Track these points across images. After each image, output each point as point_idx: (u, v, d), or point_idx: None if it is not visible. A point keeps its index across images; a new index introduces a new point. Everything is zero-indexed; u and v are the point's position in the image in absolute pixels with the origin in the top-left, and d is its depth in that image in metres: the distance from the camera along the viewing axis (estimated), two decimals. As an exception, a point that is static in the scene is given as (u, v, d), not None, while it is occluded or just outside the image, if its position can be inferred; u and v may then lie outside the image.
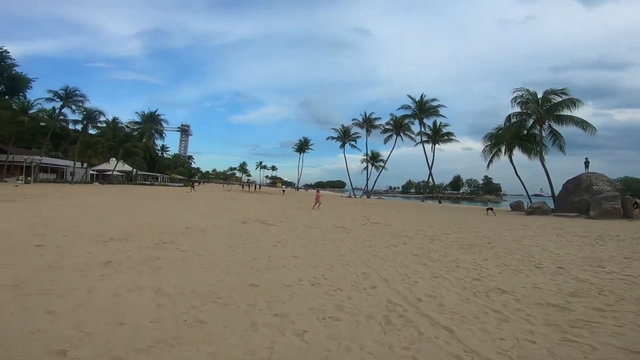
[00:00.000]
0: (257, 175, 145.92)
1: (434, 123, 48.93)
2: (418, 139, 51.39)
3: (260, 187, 63.67)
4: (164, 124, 60.25)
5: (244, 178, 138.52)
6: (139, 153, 53.29)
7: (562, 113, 25.92)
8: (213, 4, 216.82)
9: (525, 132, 29.34)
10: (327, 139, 63.08)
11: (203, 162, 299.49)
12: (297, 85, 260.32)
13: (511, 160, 30.57)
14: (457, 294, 4.73)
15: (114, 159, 52.39)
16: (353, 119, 58.67)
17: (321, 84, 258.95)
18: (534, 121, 28.15)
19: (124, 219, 11.01)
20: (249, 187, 59.99)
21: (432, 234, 11.03)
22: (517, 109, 28.49)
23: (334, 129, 62.71)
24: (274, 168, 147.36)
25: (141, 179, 61.93)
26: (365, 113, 57.30)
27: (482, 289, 5.00)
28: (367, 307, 4.05)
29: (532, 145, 29.14)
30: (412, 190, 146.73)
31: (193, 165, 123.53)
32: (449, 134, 48.82)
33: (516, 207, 28.23)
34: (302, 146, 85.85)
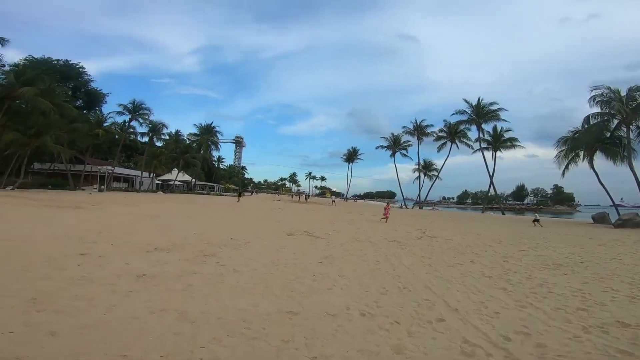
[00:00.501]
0: (306, 185, 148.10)
1: (494, 128, 45.11)
2: (475, 146, 47.82)
3: (308, 197, 63.80)
4: (219, 136, 63.40)
5: (294, 188, 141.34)
6: (197, 164, 56.56)
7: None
8: (259, 18, 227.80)
9: (608, 134, 25.35)
10: (377, 147, 61.47)
11: (256, 172, 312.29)
12: (344, 95, 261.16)
13: (592, 167, 26.51)
14: (560, 330, 3.59)
15: (176, 169, 56.29)
16: (403, 127, 56.55)
17: (367, 93, 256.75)
18: (619, 122, 24.25)
19: (175, 227, 11.06)
20: (299, 198, 60.39)
21: (503, 251, 9.45)
22: (597, 109, 24.84)
23: (383, 137, 60.96)
24: (322, 178, 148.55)
25: (199, 188, 65.69)
26: (415, 120, 54.93)
27: (594, 323, 3.82)
28: (436, 350, 3.09)
29: (617, 149, 25.07)
30: (468, 201, 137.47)
31: (246, 175, 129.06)
32: (512, 139, 44.61)
33: (600, 219, 24.36)
34: (351, 156, 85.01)
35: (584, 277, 6.30)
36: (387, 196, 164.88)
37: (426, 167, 56.29)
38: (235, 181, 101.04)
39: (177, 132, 62.91)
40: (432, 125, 54.01)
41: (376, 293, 4.90)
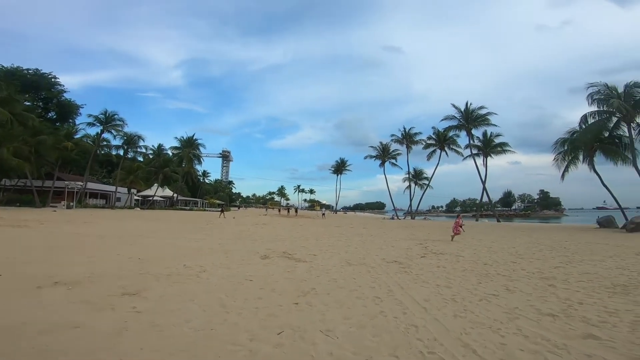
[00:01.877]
0: (295, 199, 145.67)
1: (484, 133, 44.03)
2: (465, 152, 46.64)
3: (297, 210, 61.36)
4: (203, 149, 60.81)
5: (283, 202, 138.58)
6: (178, 178, 53.69)
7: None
8: (245, 31, 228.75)
9: (606, 134, 24.07)
10: (366, 157, 59.96)
11: (245, 187, 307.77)
12: (331, 108, 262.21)
13: (593, 168, 25.07)
14: None
15: (156, 184, 53.29)
16: (392, 135, 55.22)
17: (354, 105, 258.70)
18: (618, 120, 23.01)
19: (114, 250, 8.68)
20: (288, 212, 57.92)
21: (534, 268, 7.40)
22: (594, 108, 23.58)
23: (372, 146, 59.43)
24: (311, 191, 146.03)
25: (181, 204, 62.52)
26: (404, 128, 53.71)
27: None
28: None
29: (618, 148, 23.78)
30: (457, 209, 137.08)
31: (234, 190, 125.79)
32: (502, 144, 43.50)
33: (606, 223, 22.81)
34: (339, 167, 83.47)
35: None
36: (376, 207, 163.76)
37: (416, 176, 54.85)
38: (221, 196, 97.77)
39: (160, 146, 60.29)
40: (420, 133, 52.93)
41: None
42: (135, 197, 54.62)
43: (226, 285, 5.65)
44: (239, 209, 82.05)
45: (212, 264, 7.50)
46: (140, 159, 53.95)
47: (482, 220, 45.50)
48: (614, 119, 23.11)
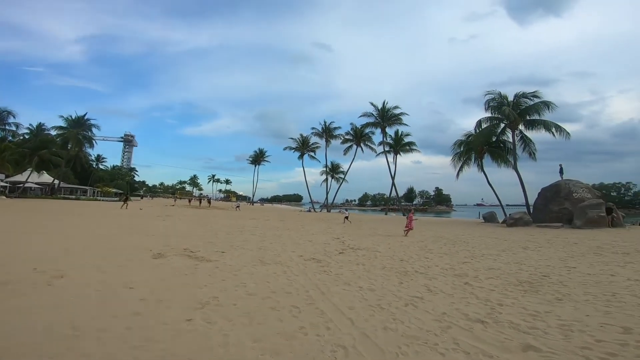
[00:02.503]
0: (209, 189, 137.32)
1: (396, 132, 47.25)
2: (378, 149, 49.47)
3: (210, 201, 57.39)
4: (97, 131, 52.03)
5: (196, 192, 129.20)
6: (60, 162, 45.00)
7: (534, 117, 24.64)
8: (169, 11, 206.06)
9: (494, 138, 27.80)
10: (285, 149, 59.07)
11: (151, 175, 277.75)
12: (254, 98, 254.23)
13: (482, 169, 28.81)
14: None
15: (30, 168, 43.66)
16: (312, 128, 55.50)
17: (278, 97, 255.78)
18: (504, 126, 26.67)
19: None
20: (200, 202, 53.60)
21: (445, 264, 7.53)
22: (488, 114, 26.94)
23: (292, 138, 58.93)
24: (227, 182, 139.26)
25: (65, 192, 52.74)
26: (325, 122, 54.43)
27: None
28: None
29: (502, 152, 27.68)
30: (368, 203, 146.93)
31: (137, 178, 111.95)
32: (410, 143, 47.28)
33: (490, 218, 26.36)
34: (258, 158, 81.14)
35: (577, 300, 4.49)
36: (294, 199, 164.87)
37: (333, 170, 56.34)
38: (120, 184, 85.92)
39: (41, 125, 49.64)
40: (339, 128, 54.22)
41: None
42: (2, 184, 44.03)
43: (91, 296, 4.19)
44: (141, 198, 73.19)
45: (80, 266, 5.77)
46: (11, 138, 43.69)
47: (390, 214, 49.03)
48: (502, 125, 26.72)
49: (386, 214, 47.93)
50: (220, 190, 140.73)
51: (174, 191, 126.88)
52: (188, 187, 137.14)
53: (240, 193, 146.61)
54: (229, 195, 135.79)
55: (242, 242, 10.57)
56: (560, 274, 6.54)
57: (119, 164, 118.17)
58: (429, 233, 15.97)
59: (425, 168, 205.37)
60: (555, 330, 3.50)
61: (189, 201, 57.83)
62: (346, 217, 23.82)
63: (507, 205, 29.18)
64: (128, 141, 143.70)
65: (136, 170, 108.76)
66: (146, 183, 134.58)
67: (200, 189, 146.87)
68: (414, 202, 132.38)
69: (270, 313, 4.08)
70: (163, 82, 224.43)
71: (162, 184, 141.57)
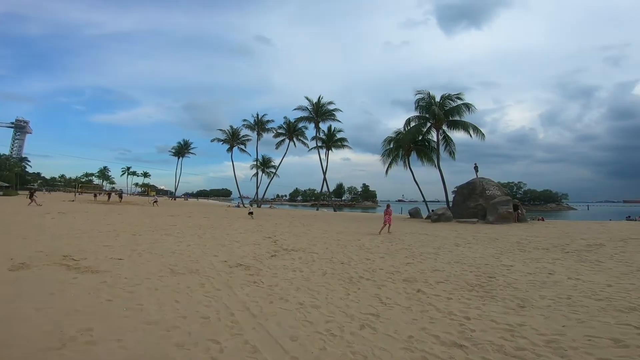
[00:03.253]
0: (123, 183, 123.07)
1: (329, 128, 47.36)
2: (311, 144, 49.13)
3: (121, 196, 50.75)
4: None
5: (107, 186, 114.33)
6: None
7: (456, 118, 26.42)
8: None
9: (420, 137, 29.21)
10: (213, 140, 55.06)
11: (51, 166, 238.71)
12: (184, 88, 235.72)
13: (409, 166, 30.10)
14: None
15: None
16: (244, 120, 52.59)
17: (211, 89, 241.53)
18: (430, 125, 28.12)
19: None
20: (109, 197, 46.88)
21: (390, 267, 6.90)
22: (417, 113, 28.08)
23: (220, 129, 55.10)
24: (145, 175, 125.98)
25: None
26: (257, 114, 52.00)
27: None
28: None
29: (427, 150, 29.24)
30: (299, 198, 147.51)
31: (30, 169, 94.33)
32: (342, 139, 47.83)
33: (415, 214, 27.63)
34: (182, 149, 74.86)
35: (548, 311, 4.08)
36: (222, 194, 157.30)
37: (265, 164, 54.32)
38: (7, 176, 71.15)
39: None
40: (273, 121, 52.38)
41: None
42: None
43: None
44: (33, 193, 61.49)
45: None
46: None
47: (321, 209, 49.14)
48: (428, 124, 28.13)
49: (317, 209, 47.87)
50: (136, 184, 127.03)
51: (78, 184, 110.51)
52: (97, 181, 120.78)
53: (162, 187, 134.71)
54: (147, 190, 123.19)
55: (150, 244, 8.69)
56: (503, 274, 6.33)
57: (6, 152, 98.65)
58: (363, 230, 15.67)
59: (353, 165, 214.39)
60: (546, 351, 2.90)
61: (95, 196, 50.23)
62: (250, 213, 22.55)
63: (427, 201, 30.98)
64: (20, 127, 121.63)
65: (28, 161, 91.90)
66: (42, 175, 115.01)
67: (112, 183, 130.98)
68: (343, 198, 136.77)
69: (176, 355, 2.77)
70: (72, 66, 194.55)
71: (62, 176, 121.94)
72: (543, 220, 24.41)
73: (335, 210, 45.84)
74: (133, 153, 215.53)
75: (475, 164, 25.05)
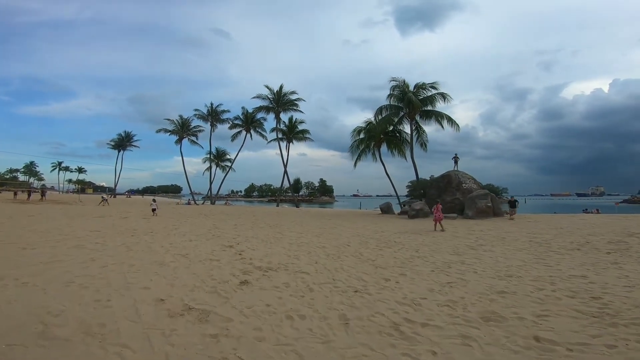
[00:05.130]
0: (54, 179, 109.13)
1: (290, 119, 44.26)
2: (269, 136, 45.76)
3: (44, 193, 43.39)
4: None
5: (37, 183, 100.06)
6: None
7: (428, 108, 24.94)
8: None
9: (391, 127, 27.44)
10: (159, 131, 48.83)
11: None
12: (129, 79, 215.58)
13: (380, 158, 28.16)
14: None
15: None
16: (195, 110, 47.18)
17: (160, 81, 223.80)
18: (403, 115, 26.41)
19: None
20: (29, 195, 39.68)
21: (435, 297, 4.40)
22: (389, 102, 26.20)
23: (168, 119, 49.13)
24: (80, 170, 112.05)
25: None
26: (211, 104, 47.03)
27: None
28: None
29: (399, 141, 27.58)
30: (254, 194, 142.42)
31: None
32: (304, 131, 44.89)
33: (387, 209, 25.82)
34: (123, 142, 66.72)
35: None
36: (172, 191, 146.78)
37: (219, 157, 49.66)
38: None
39: None
40: (229, 111, 47.86)
41: None
42: None
43: None
44: None
45: None
46: None
47: (282, 205, 46.12)
48: (401, 114, 26.38)
49: (277, 205, 44.72)
50: (69, 181, 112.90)
51: (2, 182, 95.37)
52: (22, 177, 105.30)
53: (101, 184, 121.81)
54: (83, 187, 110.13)
55: (42, 266, 5.33)
56: (607, 291, 4.13)
57: None
58: (345, 232, 13.14)
59: (309, 160, 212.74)
60: None
61: (15, 194, 42.39)
62: (154, 210, 19.04)
63: (378, 195, 29.81)
64: None
65: None
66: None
67: (41, 179, 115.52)
68: (300, 193, 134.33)
69: None
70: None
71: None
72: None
73: (297, 206, 43.03)
74: (68, 147, 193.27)
75: (455, 154, 23.74)
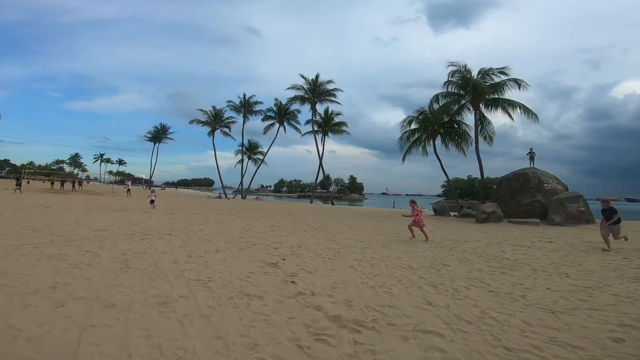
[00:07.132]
0: (96, 170, 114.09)
1: (326, 110, 41.42)
2: (304, 129, 43.22)
3: (79, 183, 43.79)
4: None
5: (81, 174, 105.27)
6: None
7: (498, 96, 20.98)
8: None
9: (447, 118, 23.67)
10: (191, 122, 47.94)
11: (22, 153, 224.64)
12: (168, 76, 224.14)
13: (435, 151, 24.33)
14: None
15: None
16: (228, 101, 45.47)
17: (197, 78, 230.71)
18: (464, 103, 22.54)
19: None
20: (62, 185, 40.09)
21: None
22: (447, 89, 22.39)
23: (200, 109, 47.89)
24: (121, 162, 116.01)
25: None
26: (244, 95, 45.24)
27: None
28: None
29: (455, 134, 23.78)
30: (284, 189, 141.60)
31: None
32: (340, 123, 41.96)
33: (441, 210, 22.25)
34: (159, 134, 67.25)
35: None
36: (204, 184, 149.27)
37: (251, 150, 47.80)
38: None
39: None
40: (261, 103, 45.82)
41: None
42: None
43: None
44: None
45: None
46: None
47: (316, 202, 43.49)
48: (463, 102, 22.60)
49: (311, 202, 42.08)
50: (110, 172, 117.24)
51: (24, 172, 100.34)
52: (68, 168, 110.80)
53: (140, 176, 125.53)
54: (123, 179, 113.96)
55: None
56: None
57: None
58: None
59: (338, 157, 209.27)
60: None
61: (52, 184, 42.93)
62: (152, 201, 17.57)
63: (407, 194, 25.87)
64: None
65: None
66: (10, 162, 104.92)
67: (84, 170, 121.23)
68: (330, 190, 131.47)
69: None
70: (49, 52, 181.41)
71: (31, 162, 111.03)
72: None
73: (332, 204, 40.12)
74: (112, 141, 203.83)
75: (530, 149, 19.74)
